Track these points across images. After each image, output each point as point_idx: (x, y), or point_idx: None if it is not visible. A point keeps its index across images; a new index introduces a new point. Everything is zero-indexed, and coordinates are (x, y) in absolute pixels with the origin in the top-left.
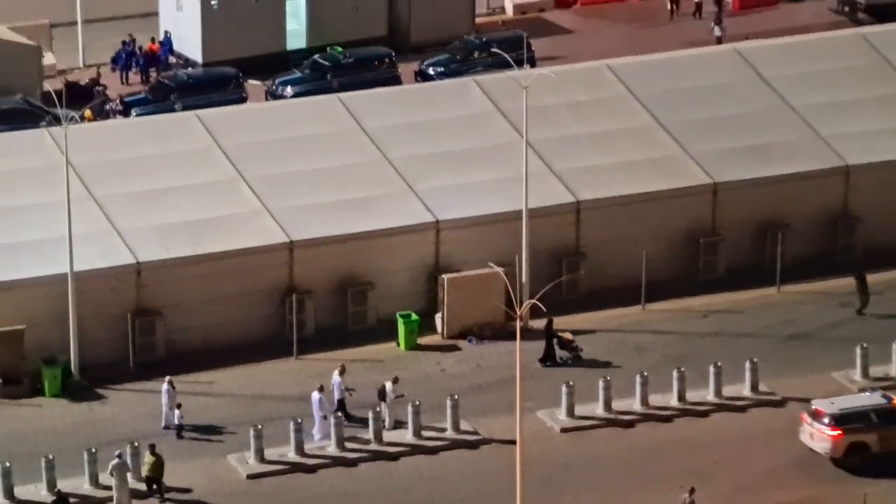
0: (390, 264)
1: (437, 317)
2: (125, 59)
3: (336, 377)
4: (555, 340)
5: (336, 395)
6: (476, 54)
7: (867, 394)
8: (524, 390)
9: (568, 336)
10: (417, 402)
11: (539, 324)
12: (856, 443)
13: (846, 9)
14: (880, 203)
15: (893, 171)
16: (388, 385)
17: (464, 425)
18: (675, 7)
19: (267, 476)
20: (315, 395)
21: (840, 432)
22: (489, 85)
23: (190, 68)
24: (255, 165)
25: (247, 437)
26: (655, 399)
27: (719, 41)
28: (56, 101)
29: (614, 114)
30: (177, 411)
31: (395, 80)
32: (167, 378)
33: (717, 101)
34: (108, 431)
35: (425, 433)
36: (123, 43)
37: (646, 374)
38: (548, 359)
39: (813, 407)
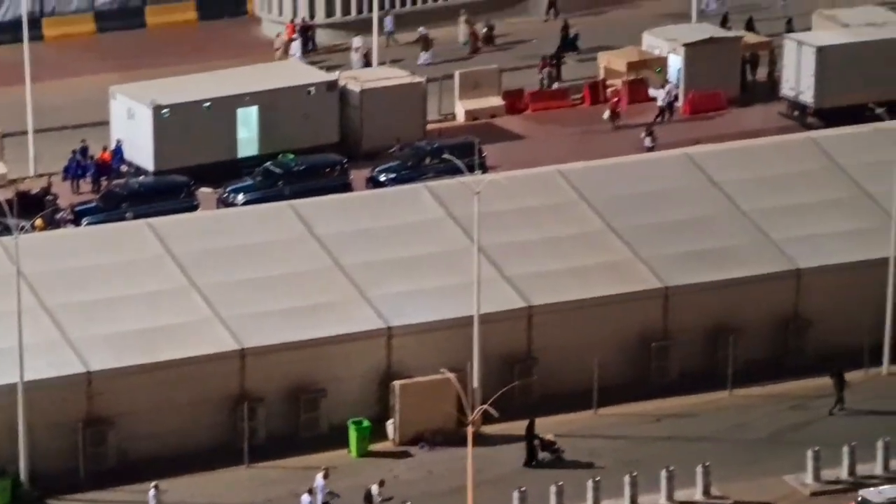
0: (342, 371)
1: (389, 423)
2: (76, 168)
3: (320, 480)
4: (536, 441)
5: (320, 499)
6: (427, 160)
7: None
8: (476, 497)
9: (549, 437)
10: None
11: (491, 429)
12: None
13: (796, 113)
14: (831, 306)
15: (844, 274)
16: (374, 488)
17: None
18: (615, 117)
19: None
20: (305, 498)
21: None
22: (441, 191)
23: (141, 177)
24: (206, 273)
25: None
26: None
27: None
28: (7, 210)
29: (566, 219)
30: None
31: (347, 187)
32: (154, 483)
33: (669, 205)
34: None
35: None
36: (74, 152)
37: (598, 478)
38: (532, 460)
39: (860, 496)
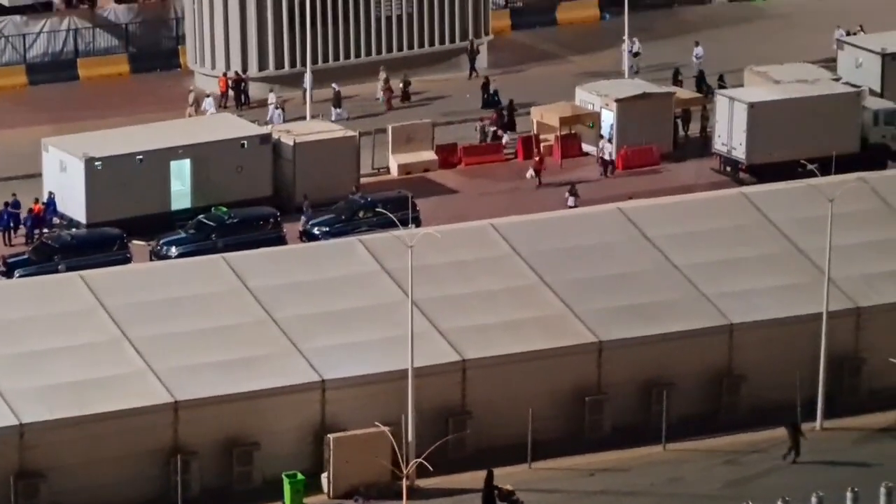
0: (276, 424)
1: (324, 476)
2: (7, 219)
3: None
4: (495, 492)
5: None
6: (361, 214)
7: None
8: None
9: (508, 487)
10: None
11: (426, 483)
12: None
13: (728, 168)
14: (764, 361)
15: (777, 329)
16: None
17: None
18: (539, 176)
19: None
20: None
21: None
22: (374, 244)
23: (74, 229)
24: (139, 325)
25: None
26: None
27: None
28: None
29: (499, 273)
30: None
31: (280, 240)
32: None
33: (602, 259)
34: None
35: None
36: (6, 204)
37: None
38: None
39: None
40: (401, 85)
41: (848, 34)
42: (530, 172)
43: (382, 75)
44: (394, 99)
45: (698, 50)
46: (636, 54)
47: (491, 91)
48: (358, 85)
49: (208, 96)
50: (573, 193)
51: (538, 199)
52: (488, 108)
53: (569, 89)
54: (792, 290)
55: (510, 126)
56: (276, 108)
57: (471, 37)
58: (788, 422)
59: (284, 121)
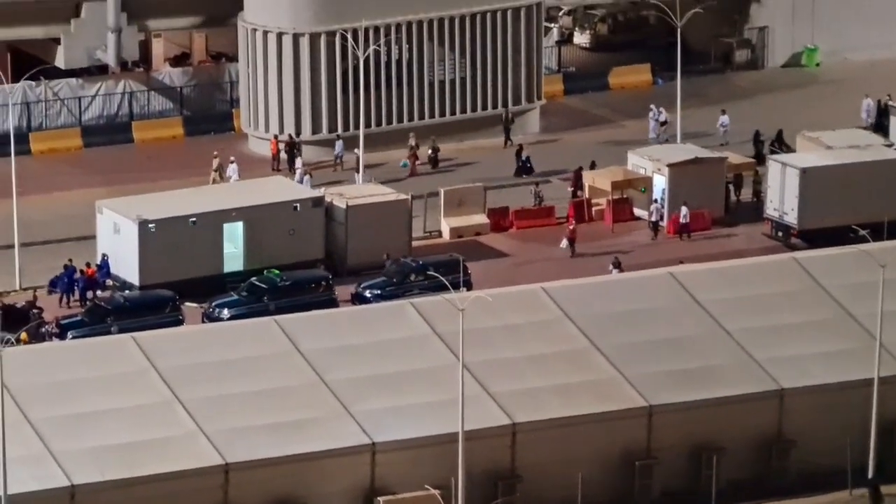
0: (326, 486)
1: None
2: (67, 282)
3: None
4: None
5: None
6: (412, 277)
7: None
8: None
9: None
10: None
11: None
12: None
13: (779, 234)
14: (814, 427)
15: (827, 394)
16: None
17: None
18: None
19: None
20: None
21: None
22: (425, 308)
23: (126, 291)
24: (190, 388)
25: None
26: None
27: None
28: None
29: (550, 336)
30: None
31: (332, 303)
32: None
33: (652, 324)
34: None
35: None
36: (66, 266)
37: None
38: None
39: None
40: (429, 151)
41: (879, 105)
42: (564, 242)
43: (411, 142)
44: (422, 165)
45: (724, 118)
46: (663, 123)
47: (524, 157)
48: (393, 151)
49: (232, 162)
50: (616, 265)
51: (587, 263)
52: (520, 175)
53: (621, 154)
54: (843, 355)
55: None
56: (305, 173)
57: (508, 104)
58: (871, 484)
59: (312, 186)
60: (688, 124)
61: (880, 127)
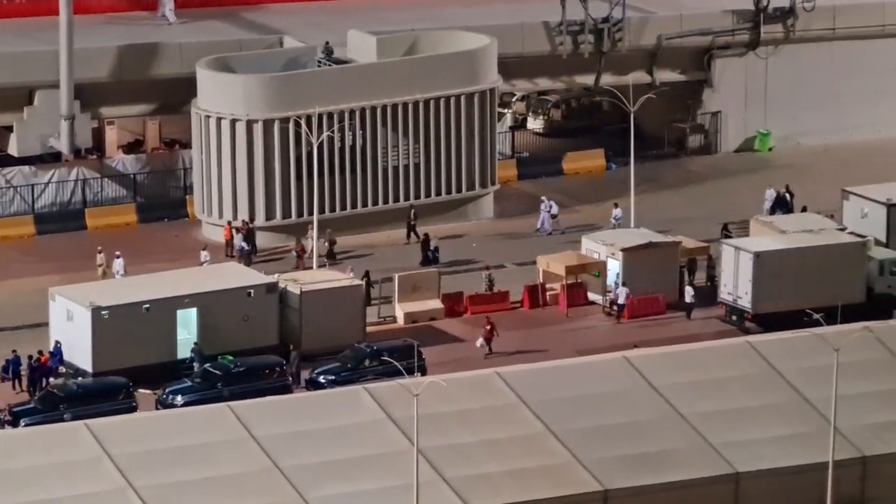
0: None
1: None
2: (15, 369)
3: None
4: None
5: None
6: (367, 362)
7: None
8: None
9: None
10: None
11: None
12: None
13: (734, 318)
14: None
15: (782, 478)
16: None
17: None
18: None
19: None
20: None
21: None
22: (380, 393)
23: (80, 378)
24: (144, 474)
25: None
26: None
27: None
28: None
29: (505, 421)
30: None
31: (286, 389)
32: None
33: (608, 408)
34: None
35: None
36: (13, 352)
37: None
38: None
39: None
40: (325, 242)
41: (777, 195)
42: (480, 341)
43: (311, 232)
44: (320, 257)
45: (617, 212)
46: (554, 216)
47: (431, 248)
48: (349, 236)
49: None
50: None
51: (546, 344)
52: (428, 266)
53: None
54: (798, 439)
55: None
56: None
57: (411, 200)
58: None
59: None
60: (642, 209)
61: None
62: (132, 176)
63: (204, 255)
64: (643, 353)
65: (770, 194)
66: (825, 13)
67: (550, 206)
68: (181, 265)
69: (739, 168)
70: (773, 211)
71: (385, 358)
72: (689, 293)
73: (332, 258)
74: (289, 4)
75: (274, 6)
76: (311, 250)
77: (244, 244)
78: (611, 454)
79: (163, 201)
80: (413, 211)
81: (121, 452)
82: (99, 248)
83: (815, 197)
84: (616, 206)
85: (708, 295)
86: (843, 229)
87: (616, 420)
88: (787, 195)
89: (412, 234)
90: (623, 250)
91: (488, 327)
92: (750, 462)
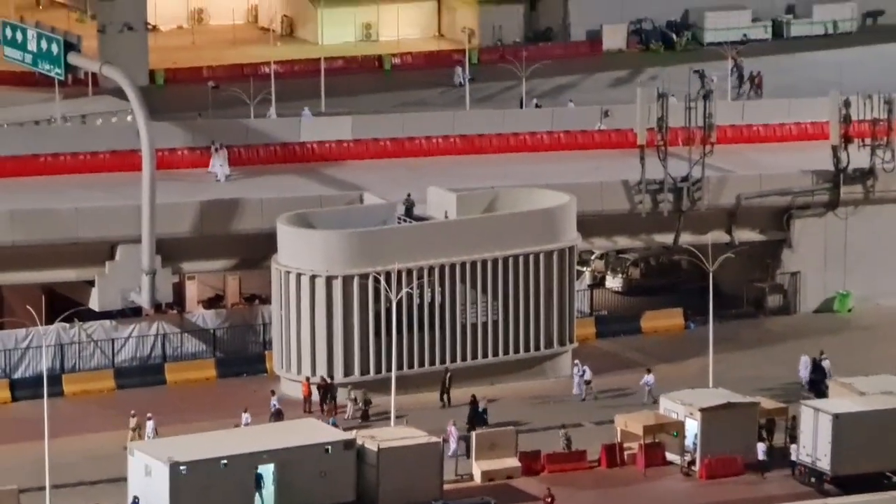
0: None
1: None
2: None
3: None
4: None
5: None
6: None
7: None
8: None
9: None
10: None
11: None
12: None
13: (812, 479)
14: None
15: None
16: None
17: None
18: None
19: None
20: None
21: None
22: None
23: None
24: None
25: None
26: None
27: None
28: None
29: None
30: None
31: None
32: None
33: None
34: None
35: None
36: None
37: None
38: None
39: None
40: (360, 403)
41: (814, 362)
42: None
43: (352, 394)
44: (353, 418)
45: (648, 378)
46: (588, 382)
47: (480, 409)
48: (427, 393)
49: (150, 419)
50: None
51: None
52: (473, 425)
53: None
54: None
55: None
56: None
57: (447, 363)
58: None
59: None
60: (720, 368)
61: (813, 384)
62: (212, 331)
63: (245, 417)
64: None
65: (805, 361)
66: None
67: (584, 371)
68: (260, 421)
69: (819, 328)
70: (810, 378)
71: None
72: (760, 450)
73: (365, 419)
74: (369, 161)
75: (354, 162)
76: (347, 408)
77: (275, 403)
78: None
79: (242, 356)
80: (449, 374)
81: None
82: (132, 411)
83: (894, 358)
84: (648, 371)
85: (786, 456)
86: None
87: None
88: (822, 362)
89: (445, 396)
90: (702, 410)
91: (548, 500)
92: None
